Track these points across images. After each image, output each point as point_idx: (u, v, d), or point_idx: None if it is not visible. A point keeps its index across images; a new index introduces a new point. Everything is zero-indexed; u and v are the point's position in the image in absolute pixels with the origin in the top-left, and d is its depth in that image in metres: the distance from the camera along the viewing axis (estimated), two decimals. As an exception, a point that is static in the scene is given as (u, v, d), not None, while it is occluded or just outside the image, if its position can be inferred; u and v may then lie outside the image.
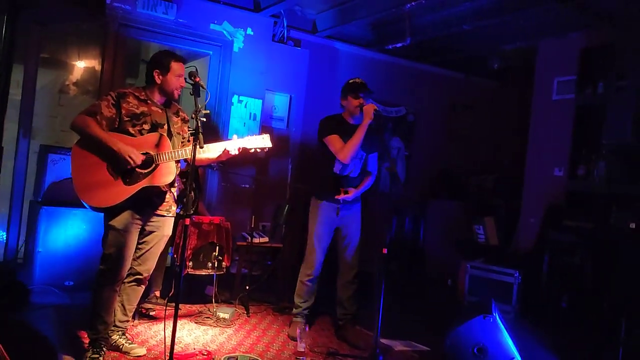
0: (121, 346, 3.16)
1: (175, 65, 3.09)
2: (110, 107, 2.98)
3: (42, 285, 4.31)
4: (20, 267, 4.70)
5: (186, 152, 3.00)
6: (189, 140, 3.21)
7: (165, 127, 3.11)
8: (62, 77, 5.68)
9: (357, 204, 4.01)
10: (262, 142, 3.20)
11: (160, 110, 3.13)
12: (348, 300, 3.96)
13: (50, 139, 5.44)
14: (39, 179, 4.67)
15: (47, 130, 5.64)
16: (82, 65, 5.68)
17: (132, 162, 2.89)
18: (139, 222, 3.05)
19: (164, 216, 3.17)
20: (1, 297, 3.86)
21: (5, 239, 4.99)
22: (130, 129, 3.00)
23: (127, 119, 3.00)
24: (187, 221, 2.77)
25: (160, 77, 3.08)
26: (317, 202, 3.93)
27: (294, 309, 3.99)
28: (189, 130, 3.24)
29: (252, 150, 3.20)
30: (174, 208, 3.23)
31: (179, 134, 3.19)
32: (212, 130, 5.60)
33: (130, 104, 3.02)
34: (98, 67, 5.38)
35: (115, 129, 2.98)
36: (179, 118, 3.24)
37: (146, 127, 3.04)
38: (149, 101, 3.10)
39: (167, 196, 3.15)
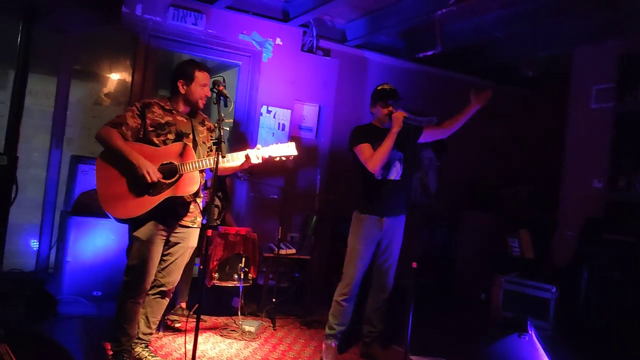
0: (144, 359, 3.11)
1: (199, 75, 3.06)
2: (135, 117, 2.97)
3: (70, 295, 4.33)
4: (50, 277, 4.74)
5: (210, 162, 2.96)
6: (212, 150, 3.17)
7: (191, 136, 3.09)
8: (96, 89, 5.77)
9: (402, 216, 3.78)
10: (287, 150, 3.13)
11: (185, 120, 3.10)
12: (378, 318, 3.79)
13: (85, 150, 5.51)
14: (69, 189, 4.72)
15: (81, 141, 5.72)
16: (115, 77, 5.76)
17: (148, 178, 2.86)
18: (164, 233, 3.02)
19: (188, 227, 3.12)
20: (30, 307, 3.89)
21: (37, 248, 5.06)
22: (155, 139, 2.98)
23: (151, 129, 2.98)
24: (210, 232, 2.72)
25: (185, 87, 3.06)
26: (359, 216, 3.70)
27: (327, 329, 3.72)
28: (212, 140, 3.20)
29: (278, 159, 3.14)
30: (199, 219, 3.18)
31: (204, 143, 3.16)
32: (241, 140, 5.59)
33: (155, 114, 3.00)
34: (129, 79, 5.44)
35: (140, 139, 2.97)
36: (205, 127, 3.21)
37: (171, 137, 3.01)
38: (174, 111, 3.08)
39: (192, 207, 3.11)
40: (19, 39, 1.53)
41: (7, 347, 2.12)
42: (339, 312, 3.68)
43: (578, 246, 5.30)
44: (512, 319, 4.54)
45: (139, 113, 2.98)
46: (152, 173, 2.87)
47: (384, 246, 3.73)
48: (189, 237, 3.14)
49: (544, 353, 3.06)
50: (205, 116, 3.27)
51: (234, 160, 3.10)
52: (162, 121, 3.01)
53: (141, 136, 2.98)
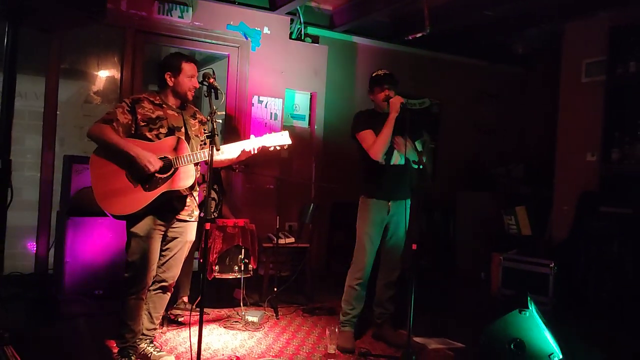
0: (149, 354, 3.12)
1: (186, 66, 3.04)
2: (126, 113, 2.95)
3: (71, 295, 4.32)
4: (51, 278, 4.73)
5: (204, 155, 2.95)
6: (205, 143, 3.16)
7: (183, 130, 3.07)
8: (85, 88, 5.74)
9: (407, 200, 3.77)
10: (281, 139, 3.12)
11: (176, 114, 3.09)
12: (388, 300, 3.83)
13: (79, 149, 5.48)
14: (65, 189, 4.69)
15: (74, 140, 5.68)
16: (103, 74, 5.72)
17: (150, 168, 2.85)
18: (162, 228, 3.02)
19: (186, 221, 3.12)
20: (33, 310, 3.89)
21: (36, 250, 5.04)
22: (147, 134, 2.96)
23: (143, 124, 2.96)
24: (208, 225, 2.71)
25: (172, 79, 3.05)
26: (366, 201, 3.73)
27: (341, 316, 3.76)
28: (205, 133, 3.19)
29: (272, 148, 3.14)
30: (196, 213, 3.18)
31: (197, 136, 3.15)
32: (234, 132, 5.56)
33: (146, 109, 2.99)
34: (118, 76, 5.40)
35: (132, 135, 2.95)
36: (197, 120, 3.20)
37: (163, 130, 3.00)
38: (164, 105, 3.06)
39: (188, 200, 3.11)
40: (5, 41, 1.52)
41: (13, 349, 2.12)
42: (354, 297, 3.72)
43: (575, 221, 5.33)
44: (513, 295, 4.58)
45: (129, 109, 2.96)
46: (154, 162, 2.86)
47: (391, 230, 3.77)
48: (187, 231, 3.14)
49: (545, 328, 3.08)
50: (196, 109, 3.26)
51: (228, 152, 3.10)
52: (153, 116, 2.99)
53: (133, 132, 2.96)
